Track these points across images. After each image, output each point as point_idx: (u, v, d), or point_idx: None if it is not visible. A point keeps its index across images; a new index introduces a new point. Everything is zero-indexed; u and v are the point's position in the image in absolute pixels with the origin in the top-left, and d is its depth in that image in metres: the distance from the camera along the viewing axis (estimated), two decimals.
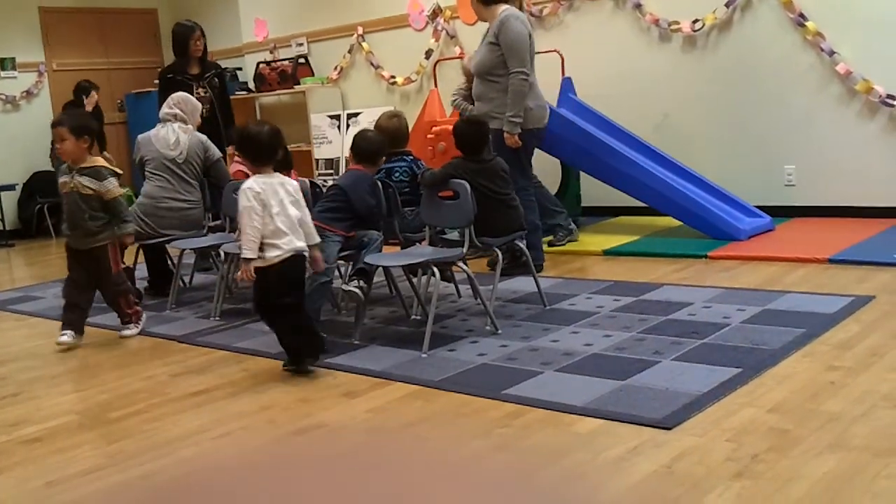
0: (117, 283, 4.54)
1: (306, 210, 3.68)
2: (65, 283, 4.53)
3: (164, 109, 5.47)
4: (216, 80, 6.29)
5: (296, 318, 3.67)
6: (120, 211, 4.45)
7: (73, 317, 4.46)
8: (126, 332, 4.59)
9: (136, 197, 5.61)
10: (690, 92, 6.53)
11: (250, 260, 3.52)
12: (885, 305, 3.96)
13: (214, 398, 3.52)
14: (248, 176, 5.48)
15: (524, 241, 4.50)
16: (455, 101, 5.91)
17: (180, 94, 5.59)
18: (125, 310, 4.59)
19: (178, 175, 5.29)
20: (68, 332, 4.43)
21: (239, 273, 3.63)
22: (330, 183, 5.51)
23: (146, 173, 5.36)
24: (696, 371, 3.29)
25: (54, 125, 4.51)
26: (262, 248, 3.53)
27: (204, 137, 5.46)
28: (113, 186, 4.41)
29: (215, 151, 5.47)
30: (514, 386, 3.29)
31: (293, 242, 3.55)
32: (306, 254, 3.62)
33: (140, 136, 5.47)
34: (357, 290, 3.99)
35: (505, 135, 5.05)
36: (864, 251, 4.94)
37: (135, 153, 5.47)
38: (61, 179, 4.46)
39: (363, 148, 4.29)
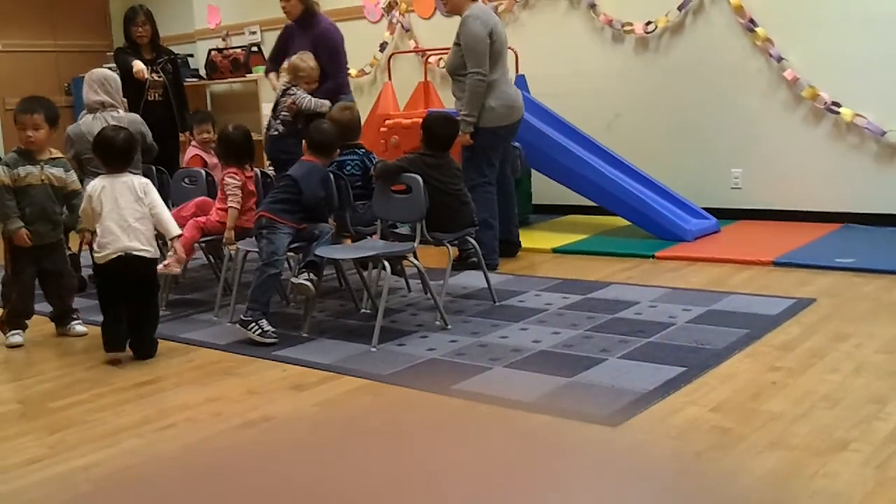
0: (73, 275, 4.42)
1: (159, 205, 3.91)
2: (17, 286, 4.16)
3: (91, 96, 5.07)
4: (169, 65, 6.19)
5: (141, 313, 3.90)
6: (79, 204, 4.16)
7: (25, 318, 4.25)
8: (81, 328, 4.32)
9: None
10: (642, 93, 6.60)
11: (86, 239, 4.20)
12: (825, 308, 4.05)
13: (159, 389, 3.48)
14: (204, 162, 5.46)
15: (473, 238, 4.52)
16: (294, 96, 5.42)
17: (99, 72, 5.22)
18: (72, 304, 4.40)
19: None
20: (19, 332, 4.22)
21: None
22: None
23: (88, 170, 5.14)
24: (641, 369, 3.33)
25: (26, 111, 4.11)
26: (99, 245, 3.81)
27: (138, 119, 5.15)
28: (75, 177, 4.30)
29: (147, 132, 5.14)
30: (463, 381, 3.30)
31: (119, 242, 3.75)
32: (146, 254, 3.81)
33: (70, 130, 5.09)
34: (308, 283, 3.97)
35: (460, 134, 5.06)
36: (807, 254, 5.05)
37: (67, 148, 5.07)
38: (24, 170, 4.09)
39: (318, 140, 4.27)
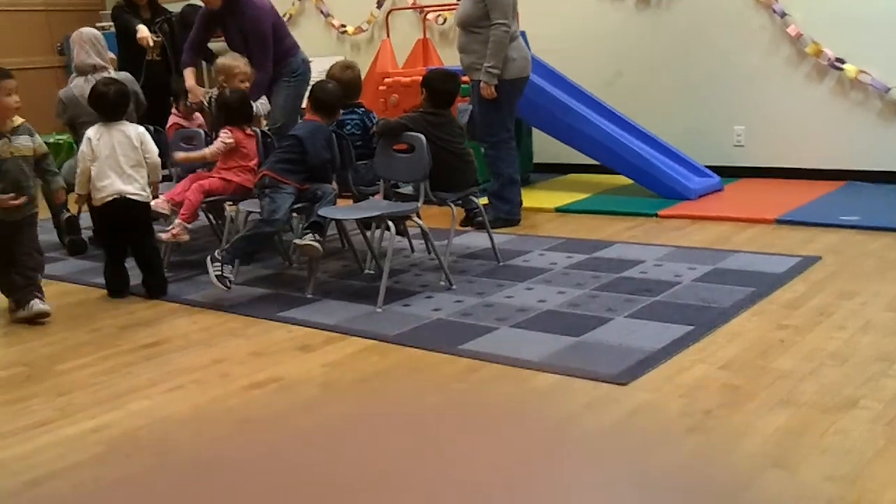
0: (41, 253, 4.11)
1: (153, 153, 4.26)
2: None
3: (83, 58, 5.06)
4: (166, 25, 6.09)
5: (144, 254, 4.26)
6: (51, 164, 4.10)
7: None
8: (45, 307, 3.93)
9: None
10: (643, 50, 6.53)
11: (83, 196, 4.24)
12: (830, 266, 4.04)
13: (165, 351, 3.47)
14: (181, 127, 5.34)
15: (478, 197, 4.50)
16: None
17: (89, 32, 5.21)
18: (38, 282, 4.01)
19: None
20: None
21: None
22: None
23: (83, 134, 5.08)
24: (649, 328, 3.33)
25: (4, 76, 3.84)
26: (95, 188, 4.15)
27: (129, 77, 5.19)
28: (41, 140, 4.05)
29: (139, 90, 5.20)
30: (470, 341, 3.30)
31: (115, 186, 4.12)
32: (138, 198, 4.15)
33: (63, 94, 5.08)
34: (314, 244, 3.95)
35: (482, 85, 5.06)
36: (811, 212, 5.04)
37: (60, 112, 5.10)
38: None
39: (321, 99, 4.23)
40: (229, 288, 3.96)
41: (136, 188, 4.15)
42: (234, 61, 4.90)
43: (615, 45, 6.63)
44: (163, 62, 5.94)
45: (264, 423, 2.69)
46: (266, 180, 4.08)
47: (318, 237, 4.00)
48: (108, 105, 4.23)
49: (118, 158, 4.14)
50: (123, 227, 4.19)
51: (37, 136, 4.03)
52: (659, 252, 4.44)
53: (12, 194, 3.81)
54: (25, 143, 3.92)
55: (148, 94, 5.48)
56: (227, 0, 5.06)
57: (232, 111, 4.51)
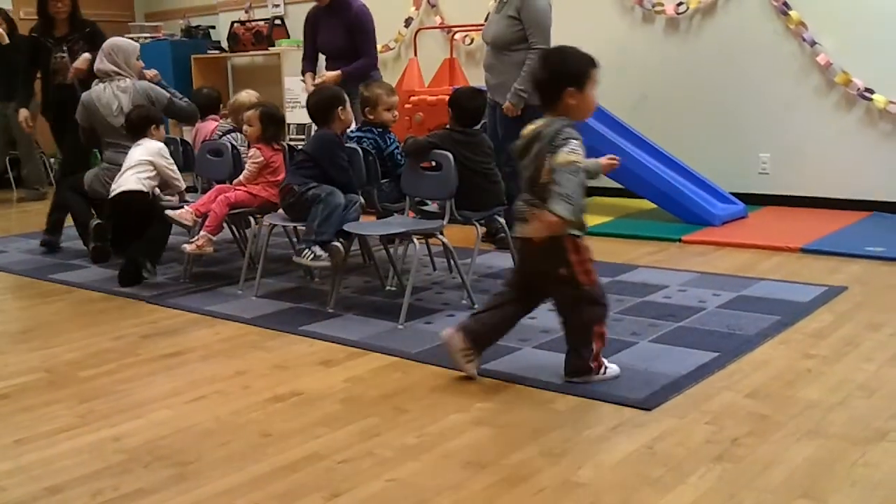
0: None
1: (163, 167, 4.87)
2: None
3: (98, 65, 5.17)
4: (81, 42, 5.77)
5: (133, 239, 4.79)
6: None
7: None
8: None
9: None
10: (670, 74, 6.52)
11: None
12: (857, 296, 4.00)
13: (187, 361, 3.47)
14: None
15: (502, 217, 4.48)
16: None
17: (109, 42, 5.25)
18: None
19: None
20: None
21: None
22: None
23: (105, 141, 5.15)
24: (673, 353, 3.30)
25: None
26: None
27: (147, 85, 5.19)
28: None
29: (161, 94, 5.20)
30: (493, 361, 3.27)
31: (117, 184, 4.79)
32: (134, 188, 4.73)
33: (84, 98, 5.15)
34: (338, 244, 3.97)
35: (507, 105, 5.04)
36: (837, 242, 5.00)
37: (82, 116, 5.17)
38: None
39: (309, 108, 4.28)
40: (328, 264, 4.02)
41: (132, 184, 4.71)
42: (248, 97, 5.14)
43: (642, 68, 6.63)
44: (71, 85, 5.70)
45: (285, 436, 2.68)
46: (288, 191, 4.13)
47: (342, 240, 4.03)
48: (130, 126, 4.97)
49: (131, 163, 4.80)
50: (125, 216, 4.84)
51: None
52: (683, 277, 4.41)
53: None
54: None
55: (55, 118, 5.51)
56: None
57: (270, 125, 4.57)
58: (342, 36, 5.69)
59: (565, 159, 2.85)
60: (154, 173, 4.82)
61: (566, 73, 3.05)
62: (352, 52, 5.68)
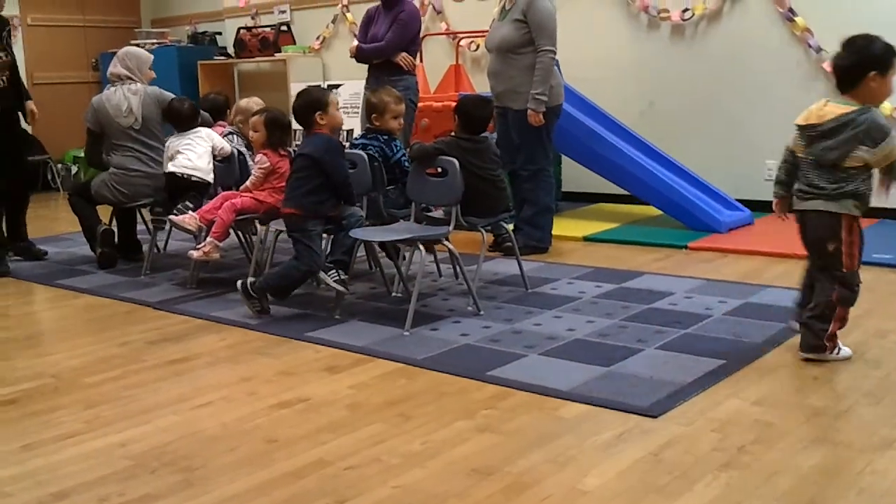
0: None
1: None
2: None
3: (110, 69, 5.25)
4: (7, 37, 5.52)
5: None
6: None
7: None
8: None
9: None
10: (676, 81, 6.52)
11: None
12: (864, 304, 3.95)
13: (194, 367, 3.47)
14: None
15: (511, 223, 4.49)
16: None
17: (124, 49, 5.33)
18: None
19: (142, 141, 5.13)
20: None
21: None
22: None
23: (112, 144, 5.15)
24: (679, 360, 3.29)
25: None
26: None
27: (157, 90, 5.21)
28: None
29: (168, 97, 5.20)
30: (498, 368, 3.27)
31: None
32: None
33: (94, 100, 5.20)
34: (341, 288, 4.03)
35: (530, 112, 5.04)
36: None
37: (90, 118, 5.16)
38: None
39: (293, 111, 4.25)
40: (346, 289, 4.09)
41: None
42: (249, 103, 5.17)
43: (649, 75, 6.63)
44: (10, 87, 5.49)
45: (291, 443, 2.68)
46: (294, 221, 4.03)
47: (343, 276, 4.02)
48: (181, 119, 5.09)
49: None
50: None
51: None
52: (689, 284, 4.41)
53: None
54: None
55: None
56: None
57: (276, 131, 4.51)
58: (386, 30, 5.78)
59: (887, 156, 3.15)
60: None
61: (872, 57, 3.17)
62: None
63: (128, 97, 5.11)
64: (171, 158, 4.95)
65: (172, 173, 4.91)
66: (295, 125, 4.65)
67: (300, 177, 4.06)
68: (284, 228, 4.34)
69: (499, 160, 4.30)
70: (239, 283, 4.06)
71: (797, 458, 2.47)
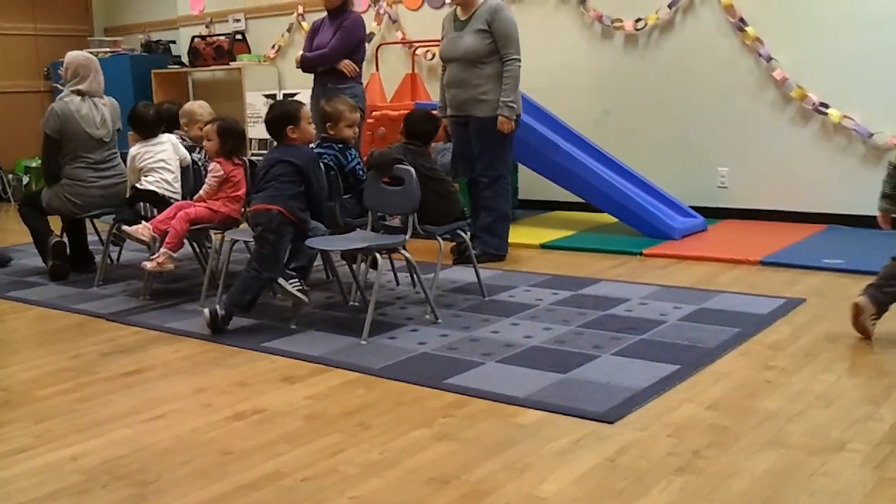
0: None
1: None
2: None
3: (77, 83, 5.06)
4: None
5: None
6: None
7: None
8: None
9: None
10: (630, 90, 6.60)
11: None
12: (815, 308, 4.06)
13: (146, 379, 3.42)
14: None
15: (467, 232, 4.51)
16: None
17: (76, 56, 5.16)
18: None
19: (105, 151, 5.09)
20: None
21: None
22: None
23: (70, 154, 5.01)
24: (635, 366, 3.32)
25: None
26: None
27: (113, 100, 5.24)
28: None
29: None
30: (456, 376, 3.27)
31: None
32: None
33: (58, 107, 5.02)
34: (302, 297, 4.00)
35: (501, 119, 5.10)
36: (795, 255, 5.07)
37: (51, 125, 4.98)
38: None
39: (266, 123, 4.22)
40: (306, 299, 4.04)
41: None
42: (200, 109, 5.13)
43: (603, 84, 6.70)
44: None
45: (247, 454, 2.65)
46: (278, 218, 3.95)
47: (305, 287, 4.00)
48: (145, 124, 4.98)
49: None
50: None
51: None
52: (644, 291, 4.45)
53: None
54: None
55: None
56: (340, 5, 5.98)
57: (229, 139, 4.50)
58: (330, 38, 5.94)
59: None
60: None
61: None
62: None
63: (100, 109, 5.08)
64: (143, 172, 4.82)
65: (150, 191, 4.80)
66: (254, 135, 4.65)
67: (285, 181, 4.00)
68: (239, 238, 4.31)
69: (440, 169, 4.45)
70: (206, 312, 3.93)
71: (751, 461, 2.50)
